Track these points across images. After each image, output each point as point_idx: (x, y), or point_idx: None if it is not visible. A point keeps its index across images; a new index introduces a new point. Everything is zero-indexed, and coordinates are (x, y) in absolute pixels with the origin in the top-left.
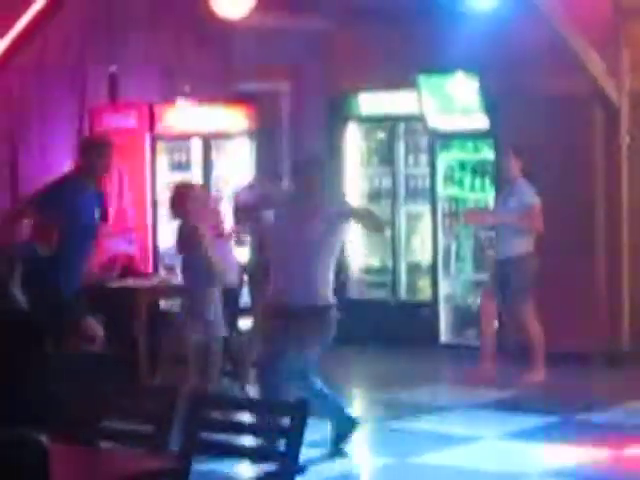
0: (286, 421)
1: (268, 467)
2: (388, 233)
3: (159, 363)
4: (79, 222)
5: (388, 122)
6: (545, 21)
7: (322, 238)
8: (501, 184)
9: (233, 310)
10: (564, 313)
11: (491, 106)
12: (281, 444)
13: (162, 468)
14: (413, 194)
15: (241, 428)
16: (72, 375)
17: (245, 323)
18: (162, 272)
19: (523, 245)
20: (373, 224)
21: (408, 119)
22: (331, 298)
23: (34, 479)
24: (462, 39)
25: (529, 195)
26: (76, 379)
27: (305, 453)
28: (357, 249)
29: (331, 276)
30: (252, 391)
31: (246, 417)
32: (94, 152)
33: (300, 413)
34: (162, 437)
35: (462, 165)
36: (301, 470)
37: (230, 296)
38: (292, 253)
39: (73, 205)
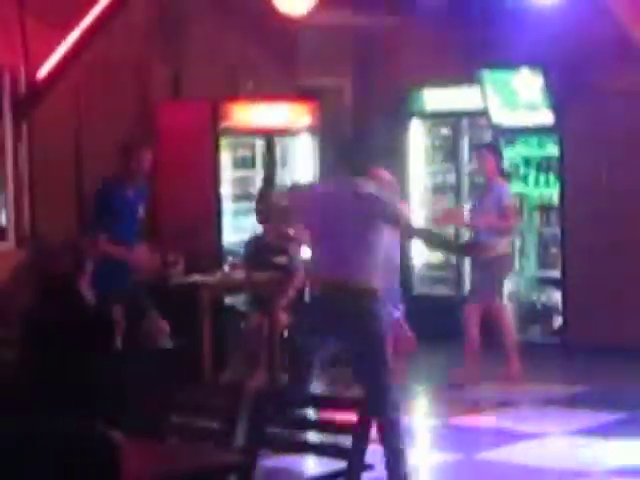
0: (352, 417)
1: (334, 464)
2: (451, 230)
3: (228, 358)
4: (119, 221)
5: (452, 118)
6: (611, 16)
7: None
8: (484, 184)
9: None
10: (634, 309)
11: (556, 102)
12: (347, 441)
13: (228, 463)
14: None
15: (307, 424)
16: (140, 371)
17: None
18: (226, 268)
19: (499, 246)
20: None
21: (472, 115)
22: None
23: (106, 474)
24: (527, 34)
25: (505, 195)
26: (144, 375)
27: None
28: (420, 244)
29: None
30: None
31: (311, 413)
32: (127, 154)
33: (366, 409)
34: (228, 433)
35: (526, 161)
36: (368, 467)
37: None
38: None
39: (114, 205)
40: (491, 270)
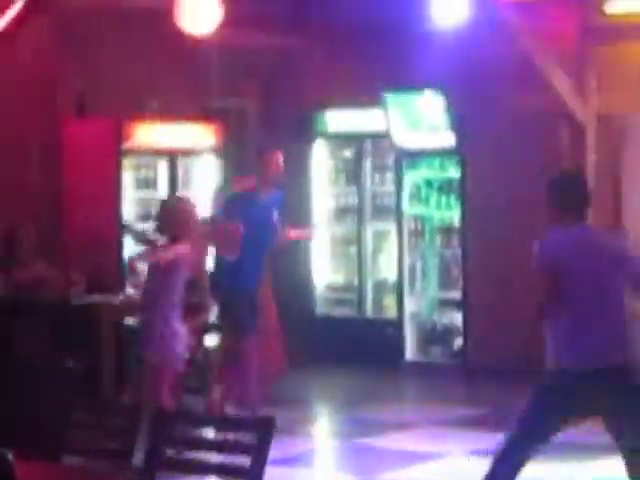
0: (251, 438)
1: None
2: (354, 250)
3: (128, 379)
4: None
5: (355, 140)
6: (512, 38)
7: None
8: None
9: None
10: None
11: (458, 124)
12: (246, 461)
13: None
14: (379, 212)
15: (205, 445)
16: (37, 389)
17: (211, 339)
18: (129, 289)
19: None
20: None
21: (375, 137)
22: None
23: None
24: (429, 57)
25: None
26: (41, 393)
27: (269, 470)
28: (323, 266)
29: None
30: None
31: (211, 434)
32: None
33: (265, 430)
34: (126, 453)
35: (428, 183)
36: None
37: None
38: None
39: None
40: None
